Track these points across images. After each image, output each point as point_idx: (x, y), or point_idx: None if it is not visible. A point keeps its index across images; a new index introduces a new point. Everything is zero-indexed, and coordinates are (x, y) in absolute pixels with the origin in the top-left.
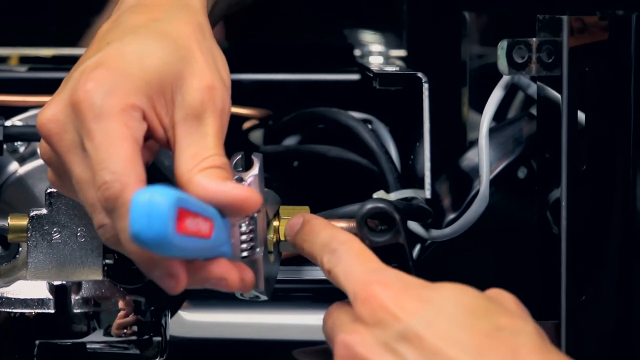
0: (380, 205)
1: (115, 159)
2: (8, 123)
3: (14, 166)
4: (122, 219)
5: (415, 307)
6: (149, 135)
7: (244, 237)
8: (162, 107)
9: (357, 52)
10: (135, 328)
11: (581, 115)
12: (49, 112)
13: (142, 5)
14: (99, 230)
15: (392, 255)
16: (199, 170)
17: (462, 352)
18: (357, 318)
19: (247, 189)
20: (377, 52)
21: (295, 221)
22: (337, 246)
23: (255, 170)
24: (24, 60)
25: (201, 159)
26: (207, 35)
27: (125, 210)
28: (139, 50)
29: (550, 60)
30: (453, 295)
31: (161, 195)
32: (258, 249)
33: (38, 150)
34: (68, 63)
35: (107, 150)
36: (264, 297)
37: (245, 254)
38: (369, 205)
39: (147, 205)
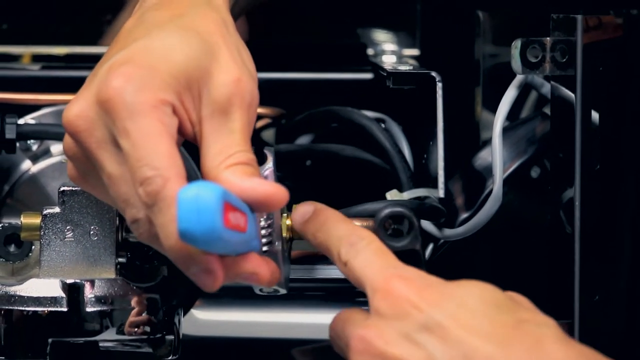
0: (401, 209)
1: (155, 155)
2: (21, 121)
3: (26, 164)
4: (162, 214)
5: (438, 300)
6: (177, 131)
7: (263, 231)
8: (189, 103)
9: (370, 51)
10: (148, 326)
11: (595, 115)
12: (77, 108)
13: (165, 2)
14: (132, 225)
15: (406, 260)
16: (225, 167)
17: (487, 342)
18: (374, 312)
19: (274, 185)
20: (390, 51)
21: (305, 209)
22: (357, 240)
23: (270, 163)
24: (36, 58)
25: (227, 155)
26: (232, 31)
27: (166, 205)
28: (165, 46)
29: (564, 60)
30: (475, 290)
31: (208, 190)
32: (277, 243)
33: (51, 149)
34: (81, 61)
35: (145, 146)
36: (282, 291)
37: (265, 247)
38: (390, 209)
39: (195, 201)
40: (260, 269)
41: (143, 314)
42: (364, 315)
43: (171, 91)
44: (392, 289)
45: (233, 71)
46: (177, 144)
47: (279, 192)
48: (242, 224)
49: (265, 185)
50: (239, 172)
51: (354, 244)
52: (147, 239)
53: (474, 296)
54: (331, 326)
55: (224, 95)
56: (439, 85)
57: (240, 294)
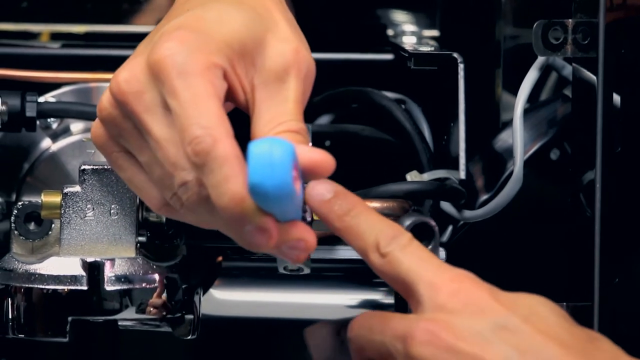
0: (426, 220)
1: (205, 114)
2: (41, 99)
3: (46, 143)
4: (214, 173)
5: (511, 303)
6: (228, 98)
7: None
8: (242, 70)
9: (390, 32)
10: (167, 306)
11: (616, 97)
12: (126, 72)
13: None
14: (180, 189)
15: None
16: (274, 134)
17: (567, 352)
18: (437, 309)
19: (322, 152)
20: (410, 32)
21: (325, 188)
22: (399, 234)
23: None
24: (55, 36)
25: (278, 123)
26: (286, 7)
27: (217, 164)
28: (220, 14)
29: (586, 42)
30: (542, 300)
31: (281, 146)
32: (308, 216)
33: (71, 127)
34: (101, 40)
35: (195, 106)
36: (307, 270)
37: (308, 218)
38: (413, 218)
39: (268, 155)
40: (308, 236)
41: (163, 294)
42: (408, 315)
43: (223, 56)
44: (463, 287)
45: (291, 41)
46: (225, 108)
47: (327, 160)
48: (299, 187)
49: (314, 152)
50: (288, 139)
51: (396, 237)
52: (196, 202)
53: (543, 306)
54: (354, 331)
55: (281, 64)
56: (461, 66)
57: (259, 274)
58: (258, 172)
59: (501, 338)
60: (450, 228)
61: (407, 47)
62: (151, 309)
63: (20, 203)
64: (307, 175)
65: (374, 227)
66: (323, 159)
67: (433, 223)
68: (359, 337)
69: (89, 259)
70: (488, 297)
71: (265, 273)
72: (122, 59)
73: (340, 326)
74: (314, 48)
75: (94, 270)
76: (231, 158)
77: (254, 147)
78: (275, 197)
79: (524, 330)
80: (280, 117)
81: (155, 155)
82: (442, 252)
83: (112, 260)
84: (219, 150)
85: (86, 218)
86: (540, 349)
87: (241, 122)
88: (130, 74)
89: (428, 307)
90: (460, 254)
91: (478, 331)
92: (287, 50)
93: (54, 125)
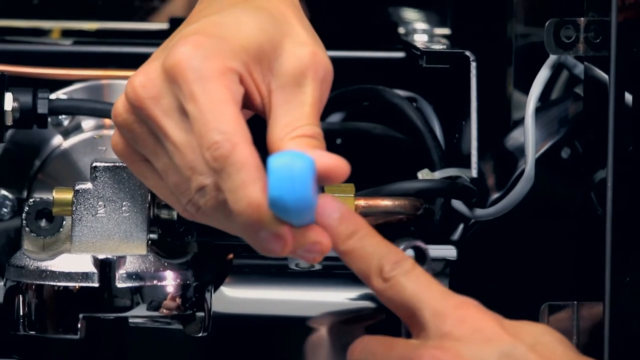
0: (416, 243)
1: (223, 119)
2: (53, 96)
3: (57, 140)
4: (232, 178)
5: (517, 332)
6: (244, 103)
7: None
8: (258, 74)
9: (401, 30)
10: (178, 303)
11: (628, 97)
12: (142, 77)
13: None
14: (197, 194)
15: None
16: (290, 139)
17: None
18: (443, 337)
19: (337, 158)
20: (421, 30)
21: (331, 208)
22: (401, 259)
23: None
24: (66, 33)
25: (294, 128)
26: (301, 12)
27: (235, 169)
28: (237, 19)
29: (598, 41)
30: (546, 330)
31: (302, 159)
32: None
33: (82, 124)
34: (112, 37)
35: (213, 111)
36: (318, 266)
37: None
38: (405, 243)
39: (288, 169)
40: (323, 239)
41: (174, 291)
42: (412, 341)
43: (239, 60)
44: (469, 315)
45: (308, 45)
46: (244, 115)
47: (342, 165)
48: (316, 194)
49: (328, 157)
50: (303, 144)
51: (399, 262)
52: (213, 206)
53: (549, 335)
54: (355, 355)
55: (298, 67)
56: (473, 64)
57: (269, 272)
58: (278, 186)
59: None
60: (461, 226)
61: (419, 45)
62: (164, 310)
63: (31, 200)
64: (321, 180)
65: (377, 252)
66: (338, 164)
67: (425, 246)
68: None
69: (100, 256)
70: (494, 325)
71: (276, 271)
72: (133, 57)
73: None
74: (325, 46)
75: (105, 267)
76: (249, 163)
77: (274, 161)
78: (295, 210)
79: (530, 359)
80: (296, 122)
81: (172, 160)
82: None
83: (124, 257)
84: (237, 155)
85: (97, 215)
86: None
87: (259, 129)
88: (146, 79)
89: (433, 334)
90: (471, 252)
91: (484, 359)
92: (304, 53)
93: (65, 122)
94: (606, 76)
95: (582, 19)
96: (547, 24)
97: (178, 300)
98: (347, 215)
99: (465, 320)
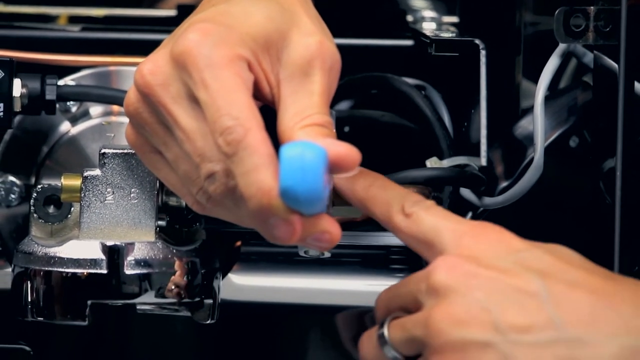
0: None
1: (235, 105)
2: (61, 82)
3: (66, 126)
4: (244, 163)
5: (535, 243)
6: (253, 93)
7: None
8: (267, 64)
9: (409, 18)
10: (186, 290)
11: (638, 85)
12: (151, 64)
13: None
14: (207, 180)
15: None
16: (300, 128)
17: (591, 274)
18: (462, 248)
19: (347, 146)
20: (429, 18)
21: (347, 158)
22: (421, 199)
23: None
24: (74, 19)
25: (303, 117)
26: (310, 4)
27: (247, 153)
28: (245, 9)
29: (608, 29)
30: (562, 247)
31: (314, 150)
32: (330, 205)
33: (90, 111)
34: (120, 23)
35: (225, 97)
36: (327, 255)
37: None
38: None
39: (300, 160)
40: (333, 228)
41: (182, 278)
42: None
43: (247, 48)
44: (486, 230)
45: (315, 34)
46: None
47: (352, 153)
48: (326, 184)
49: (339, 145)
50: (313, 133)
51: (419, 201)
52: (223, 193)
53: (565, 248)
54: (380, 296)
55: (305, 57)
56: (483, 52)
57: (277, 259)
58: (289, 176)
59: (523, 265)
60: (469, 214)
61: (428, 33)
62: (172, 287)
63: (39, 186)
64: (332, 168)
65: (398, 194)
66: (349, 153)
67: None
68: (384, 299)
69: (109, 243)
70: (512, 236)
71: (284, 258)
72: (141, 43)
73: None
74: (334, 34)
75: (113, 253)
76: (262, 148)
77: (286, 151)
78: (306, 200)
79: (547, 259)
80: (305, 111)
81: (182, 147)
82: None
83: (132, 244)
84: (250, 140)
85: (106, 202)
86: (564, 271)
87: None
88: (155, 66)
89: (451, 249)
90: None
91: (500, 260)
92: (312, 43)
93: (74, 109)
94: (616, 65)
95: (591, 7)
96: (556, 12)
97: (186, 287)
98: (365, 171)
99: (482, 234)
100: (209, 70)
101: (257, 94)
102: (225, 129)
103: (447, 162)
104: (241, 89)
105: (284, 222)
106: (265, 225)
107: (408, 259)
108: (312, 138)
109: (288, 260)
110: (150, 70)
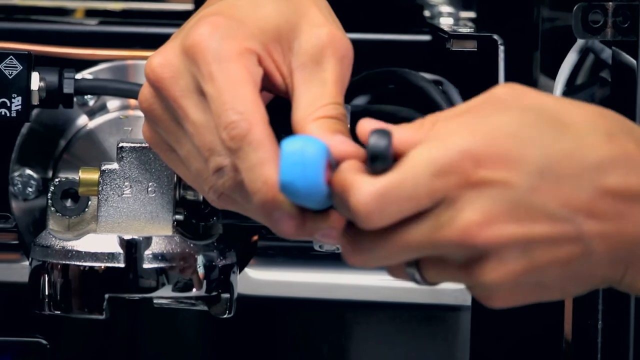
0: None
1: (241, 99)
2: (78, 76)
3: (83, 120)
4: (248, 158)
5: None
6: (266, 85)
7: None
8: (278, 55)
9: (426, 13)
10: (204, 284)
11: None
12: (160, 57)
13: None
14: (214, 175)
15: None
16: (312, 120)
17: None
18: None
19: (352, 146)
20: (446, 13)
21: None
22: None
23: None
24: (90, 13)
25: (316, 108)
26: None
27: (252, 148)
28: (254, 3)
29: (626, 25)
30: None
31: (314, 145)
32: None
33: (108, 104)
34: (138, 17)
35: (231, 91)
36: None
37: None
38: None
39: (300, 154)
40: (339, 224)
41: (199, 272)
42: None
43: (257, 42)
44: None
45: (325, 25)
46: (260, 94)
47: (358, 154)
48: (329, 179)
49: (345, 144)
50: (324, 127)
51: None
52: (230, 187)
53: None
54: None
55: (317, 46)
56: (501, 48)
57: (294, 254)
58: (289, 170)
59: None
60: None
61: (445, 28)
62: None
63: (57, 180)
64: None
65: None
66: (354, 154)
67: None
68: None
69: (126, 237)
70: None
71: (300, 253)
72: (158, 37)
73: None
74: (351, 28)
75: (131, 247)
76: (266, 143)
77: (286, 145)
78: (306, 195)
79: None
80: (318, 101)
81: (192, 142)
82: None
83: (149, 238)
84: (253, 135)
85: (123, 195)
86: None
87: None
88: (164, 59)
89: None
90: None
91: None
92: (322, 33)
93: (91, 103)
94: (634, 61)
95: (610, 3)
96: (575, 8)
97: (203, 282)
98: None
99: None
100: (217, 64)
101: (271, 86)
102: (229, 124)
103: None
104: (248, 84)
105: (289, 216)
106: (270, 219)
107: None
108: (322, 133)
109: (304, 254)
110: (160, 63)
